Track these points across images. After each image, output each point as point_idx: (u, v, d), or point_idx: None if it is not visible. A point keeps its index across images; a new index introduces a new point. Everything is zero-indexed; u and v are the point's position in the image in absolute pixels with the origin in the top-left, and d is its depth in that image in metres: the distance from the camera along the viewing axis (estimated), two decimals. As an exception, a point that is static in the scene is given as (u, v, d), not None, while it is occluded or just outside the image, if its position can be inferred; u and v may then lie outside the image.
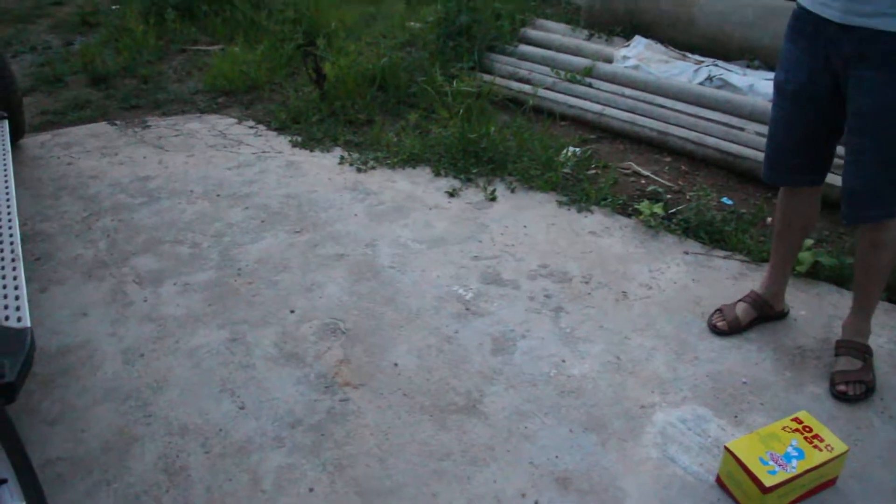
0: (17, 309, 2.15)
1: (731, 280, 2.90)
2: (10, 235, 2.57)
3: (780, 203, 2.52)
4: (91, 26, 6.48)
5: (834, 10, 2.02)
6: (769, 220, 3.26)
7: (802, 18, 2.16)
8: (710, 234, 3.15)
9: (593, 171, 3.67)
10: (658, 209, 3.25)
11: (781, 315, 2.67)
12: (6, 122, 3.52)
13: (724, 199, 3.47)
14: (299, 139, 4.04)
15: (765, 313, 2.63)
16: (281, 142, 4.05)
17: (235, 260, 3.01)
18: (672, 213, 3.30)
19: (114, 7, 6.93)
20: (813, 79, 2.16)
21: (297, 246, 3.09)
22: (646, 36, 4.87)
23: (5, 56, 3.99)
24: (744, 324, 2.60)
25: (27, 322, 2.08)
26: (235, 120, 4.38)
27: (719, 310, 2.66)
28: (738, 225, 3.20)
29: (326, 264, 2.97)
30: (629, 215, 3.31)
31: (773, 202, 3.28)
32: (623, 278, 2.90)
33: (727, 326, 2.59)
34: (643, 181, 3.63)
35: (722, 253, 3.06)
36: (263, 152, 3.92)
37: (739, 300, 2.66)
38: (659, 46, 4.74)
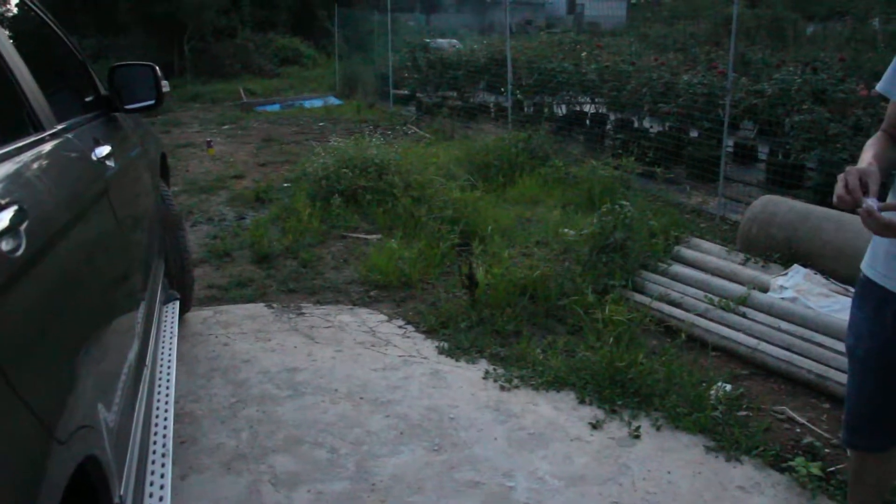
0: (160, 499, 2.25)
1: (899, 568, 2.63)
2: (165, 427, 2.69)
3: (853, 461, 2.45)
4: (263, 202, 6.97)
5: (894, 283, 2.06)
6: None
7: (867, 287, 2.17)
8: (874, 504, 2.90)
9: (744, 413, 3.50)
10: (815, 469, 3.04)
11: None
12: (177, 304, 3.75)
13: (890, 460, 3.21)
14: (446, 346, 4.06)
15: None
16: (428, 347, 4.10)
17: (371, 472, 3.00)
18: (831, 471, 3.07)
19: (285, 185, 7.45)
20: (883, 346, 2.15)
21: (434, 466, 3.05)
22: (805, 265, 4.73)
23: (186, 239, 4.30)
24: None
25: None
26: (386, 317, 4.49)
27: None
28: (908, 495, 2.94)
29: (461, 491, 2.89)
30: (782, 471, 3.11)
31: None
32: (774, 549, 2.69)
33: None
34: (798, 429, 3.42)
35: (889, 530, 2.80)
36: (410, 356, 3.97)
37: None
38: (819, 278, 4.59)
